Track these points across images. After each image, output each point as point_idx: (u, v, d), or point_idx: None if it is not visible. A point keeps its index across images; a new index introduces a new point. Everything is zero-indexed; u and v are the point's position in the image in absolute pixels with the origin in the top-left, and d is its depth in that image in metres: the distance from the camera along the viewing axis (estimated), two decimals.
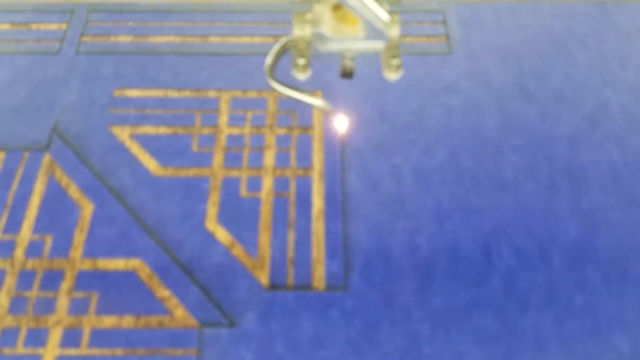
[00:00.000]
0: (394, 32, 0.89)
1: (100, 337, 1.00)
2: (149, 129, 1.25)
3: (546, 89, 1.31)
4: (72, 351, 0.98)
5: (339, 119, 1.17)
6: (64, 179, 1.17)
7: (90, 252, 1.09)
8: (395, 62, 0.85)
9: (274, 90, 1.31)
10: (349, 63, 0.88)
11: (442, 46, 1.38)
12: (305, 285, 1.04)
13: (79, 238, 1.10)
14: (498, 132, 1.23)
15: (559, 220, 1.12)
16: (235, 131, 1.25)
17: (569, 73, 1.34)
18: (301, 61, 0.80)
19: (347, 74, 0.91)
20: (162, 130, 1.25)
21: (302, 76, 0.83)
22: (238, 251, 1.09)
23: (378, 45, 0.80)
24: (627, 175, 1.18)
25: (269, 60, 0.81)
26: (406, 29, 1.42)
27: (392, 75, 0.89)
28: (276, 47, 0.84)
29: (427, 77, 1.32)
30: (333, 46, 0.80)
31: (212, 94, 1.31)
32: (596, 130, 1.24)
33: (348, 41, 0.78)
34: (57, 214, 1.13)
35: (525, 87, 1.31)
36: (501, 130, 1.24)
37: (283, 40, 0.81)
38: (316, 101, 0.89)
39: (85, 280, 1.06)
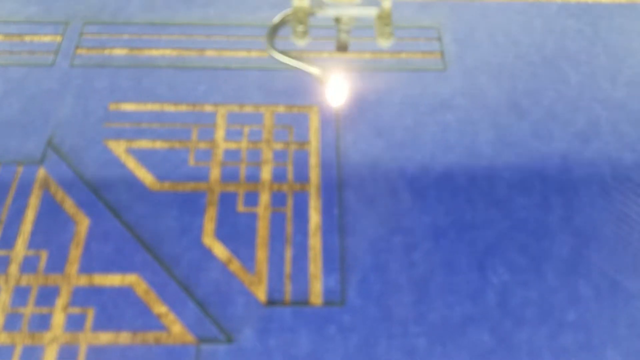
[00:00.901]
0: (387, 2, 0.92)
1: (96, 353, 0.99)
2: (145, 144, 1.25)
3: (539, 105, 1.33)
4: None
5: (335, 90, 1.18)
6: (59, 194, 1.17)
7: (86, 267, 1.08)
8: (387, 29, 0.88)
9: (270, 104, 1.32)
10: (344, 36, 0.90)
11: (437, 63, 1.40)
12: (302, 301, 1.05)
13: (75, 253, 1.10)
14: (492, 148, 1.25)
15: (552, 235, 1.14)
16: (232, 146, 1.25)
17: (561, 90, 1.36)
18: (300, 28, 0.82)
19: (342, 47, 0.92)
20: (159, 144, 1.25)
21: (301, 42, 0.85)
22: (235, 267, 1.09)
23: (371, 11, 0.83)
24: (617, 191, 1.20)
25: (269, 30, 0.83)
26: (401, 45, 1.44)
27: (384, 43, 0.92)
28: (277, 18, 0.86)
29: (422, 93, 1.34)
30: (330, 11, 0.82)
31: (208, 108, 1.31)
32: (587, 147, 1.26)
33: (344, 7, 0.80)
34: (52, 229, 1.13)
35: (518, 103, 1.33)
36: (495, 146, 1.26)
37: (284, 12, 0.83)
38: (313, 69, 0.91)
39: (81, 296, 1.05)
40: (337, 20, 0.89)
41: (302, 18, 0.83)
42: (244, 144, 1.25)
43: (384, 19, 0.91)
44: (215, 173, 1.21)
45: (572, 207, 1.18)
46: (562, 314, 1.05)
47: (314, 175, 1.21)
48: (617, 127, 1.30)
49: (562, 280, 1.08)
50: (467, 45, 1.45)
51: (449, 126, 1.29)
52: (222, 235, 1.12)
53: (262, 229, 1.13)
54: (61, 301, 1.04)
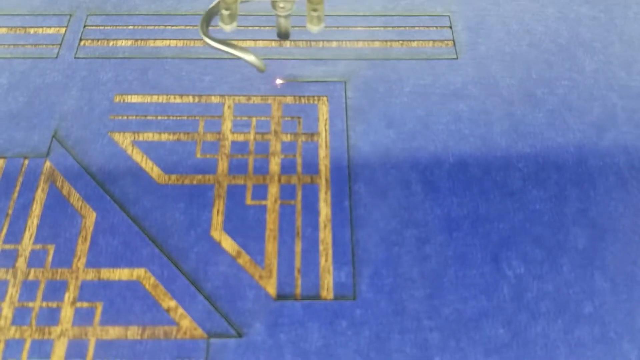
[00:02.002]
0: None
1: (105, 348, 0.98)
2: (151, 136, 1.24)
3: (553, 94, 1.30)
4: None
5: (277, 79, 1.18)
6: (65, 187, 1.15)
7: (94, 262, 1.07)
8: (315, 14, 0.86)
9: (278, 95, 1.29)
10: (283, 22, 0.88)
11: (449, 51, 1.38)
12: (313, 295, 1.03)
13: (82, 248, 1.08)
14: (506, 138, 1.23)
15: (567, 227, 1.11)
16: (240, 138, 1.23)
17: (576, 78, 1.33)
18: (225, 12, 0.80)
19: (282, 35, 0.91)
20: (165, 136, 1.23)
21: (227, 28, 0.83)
22: (244, 260, 1.07)
23: None
24: (634, 182, 1.17)
25: (203, 17, 0.82)
26: (412, 33, 1.41)
27: (313, 28, 0.90)
28: (212, 4, 0.85)
29: (434, 82, 1.32)
30: None
31: (215, 99, 1.29)
32: (603, 137, 1.24)
33: None
34: (59, 223, 1.11)
35: (532, 93, 1.30)
36: (509, 136, 1.23)
37: None
38: (249, 56, 0.89)
39: (89, 290, 1.04)
40: (273, 5, 0.87)
41: (229, 2, 0.82)
42: (251, 136, 1.23)
43: (314, 3, 0.89)
44: (222, 165, 1.19)
45: (588, 198, 1.15)
46: (578, 307, 1.03)
47: (324, 167, 1.19)
48: (633, 116, 1.27)
49: (578, 272, 1.06)
50: (479, 33, 1.42)
51: (462, 116, 1.26)
52: (230, 228, 1.11)
53: (271, 222, 1.11)
54: (69, 295, 1.03)
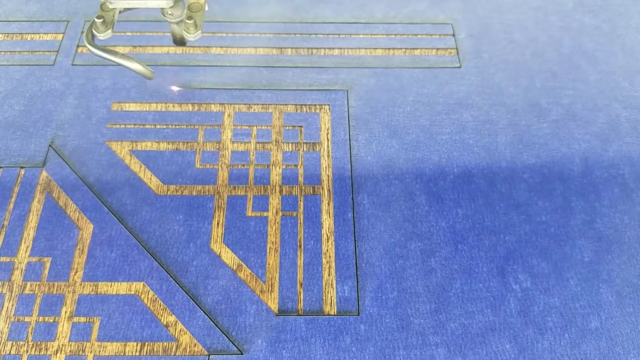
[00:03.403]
0: None
1: None
2: (149, 145, 1.21)
3: (558, 104, 1.29)
4: None
5: (172, 86, 1.17)
6: (62, 198, 1.13)
7: (91, 275, 1.05)
8: (190, 22, 0.87)
9: (279, 103, 1.28)
10: (176, 29, 0.89)
11: (452, 59, 1.36)
12: (316, 310, 1.01)
13: (79, 260, 1.06)
14: (511, 149, 1.21)
15: (574, 240, 1.10)
16: (240, 147, 1.21)
17: (580, 88, 1.32)
18: (98, 20, 0.81)
19: (177, 41, 0.91)
20: (164, 146, 1.21)
21: (101, 36, 0.84)
22: (245, 274, 1.05)
23: (164, 3, 0.81)
24: (639, 193, 1.16)
25: (89, 26, 0.83)
26: (415, 41, 1.40)
27: (189, 36, 0.91)
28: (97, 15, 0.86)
29: (437, 91, 1.30)
30: (118, 3, 0.81)
31: (215, 107, 1.27)
32: (608, 148, 1.23)
33: None
34: (55, 235, 1.09)
35: (537, 102, 1.29)
36: (514, 147, 1.22)
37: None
38: (133, 64, 0.88)
39: (86, 305, 1.01)
40: (163, 12, 0.88)
41: (105, 12, 0.83)
42: (252, 145, 1.21)
43: (192, 10, 0.89)
44: (223, 176, 1.17)
45: (594, 210, 1.14)
46: (585, 321, 1.01)
47: (326, 177, 1.17)
48: (637, 127, 1.26)
49: (584, 286, 1.05)
50: (482, 41, 1.41)
51: (466, 126, 1.25)
52: (231, 241, 1.09)
53: (273, 234, 1.09)
54: (66, 310, 1.01)
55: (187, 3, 0.92)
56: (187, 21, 0.90)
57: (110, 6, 0.82)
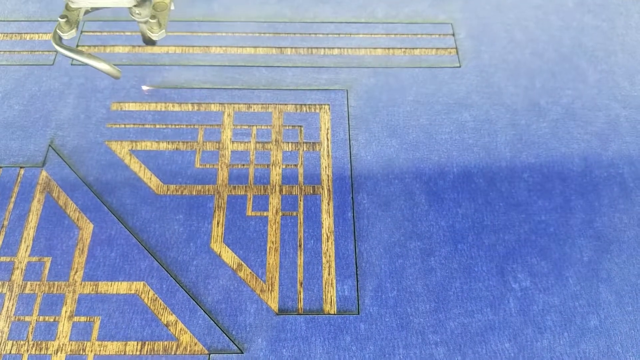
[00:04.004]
0: None
1: None
2: (149, 145, 1.21)
3: (557, 104, 1.29)
4: None
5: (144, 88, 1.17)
6: (61, 198, 1.13)
7: (91, 275, 1.05)
8: (153, 21, 0.86)
9: (278, 103, 1.28)
10: (143, 27, 0.89)
11: (452, 59, 1.36)
12: (316, 310, 1.01)
13: (79, 260, 1.06)
14: (510, 148, 1.22)
15: (573, 239, 1.10)
16: (240, 147, 1.21)
17: (579, 88, 1.32)
18: (62, 20, 0.81)
19: (146, 40, 0.91)
20: (163, 145, 1.21)
21: (65, 35, 0.84)
22: (245, 274, 1.05)
23: (127, 2, 0.80)
24: (638, 192, 1.16)
25: (56, 26, 0.83)
26: (415, 41, 1.40)
27: (152, 35, 0.91)
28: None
29: (437, 91, 1.30)
30: (80, 3, 0.80)
31: (215, 107, 1.27)
32: (607, 148, 1.23)
33: None
34: (55, 234, 1.09)
35: (536, 102, 1.29)
36: (513, 146, 1.22)
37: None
38: (100, 64, 0.88)
39: (86, 304, 1.01)
40: (130, 11, 0.88)
41: (68, 11, 0.83)
42: (252, 145, 1.21)
43: (157, 10, 0.89)
44: (222, 175, 1.17)
45: (593, 209, 1.14)
46: (584, 320, 1.02)
47: (326, 177, 1.17)
48: (637, 126, 1.26)
49: (584, 285, 1.05)
50: (482, 41, 1.41)
51: (466, 125, 1.25)
52: (231, 240, 1.09)
53: (273, 233, 1.09)
54: (66, 309, 1.01)
55: (153, 2, 0.92)
56: (150, 20, 0.89)
57: (73, 6, 0.82)
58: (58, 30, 0.84)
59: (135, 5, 0.88)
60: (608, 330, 1.00)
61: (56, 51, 0.86)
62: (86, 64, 0.88)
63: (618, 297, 1.04)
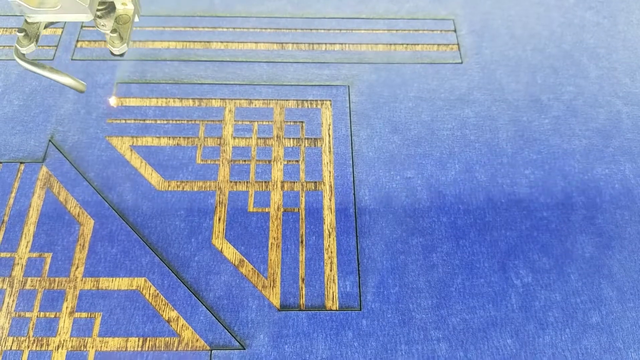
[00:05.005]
0: (120, 4, 0.86)
1: None
2: (150, 140, 1.21)
3: (559, 100, 1.29)
4: None
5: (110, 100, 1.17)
6: (62, 193, 1.12)
7: (92, 270, 1.04)
8: (114, 34, 0.83)
9: (280, 99, 1.27)
10: (109, 38, 0.86)
11: (454, 55, 1.36)
12: (318, 306, 1.01)
13: (80, 256, 1.06)
14: (512, 144, 1.21)
15: (574, 235, 1.10)
16: (242, 143, 1.21)
17: (581, 84, 1.32)
18: (20, 34, 0.79)
19: (113, 52, 0.88)
20: (164, 141, 1.21)
21: (24, 50, 0.82)
22: (247, 270, 1.05)
23: (84, 17, 0.77)
24: (639, 189, 1.17)
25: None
26: (416, 37, 1.40)
27: (113, 49, 0.86)
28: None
29: (439, 87, 1.30)
30: (36, 17, 0.78)
31: (216, 103, 1.27)
32: (609, 144, 1.23)
33: (50, 12, 0.76)
34: (56, 230, 1.08)
35: (538, 98, 1.29)
36: (515, 143, 1.22)
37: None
38: (64, 79, 0.86)
39: (87, 300, 1.01)
40: (96, 23, 0.85)
41: (29, 25, 0.81)
42: (253, 141, 1.21)
43: (119, 23, 0.86)
44: (224, 171, 1.16)
45: (594, 205, 1.14)
46: (586, 316, 1.02)
47: (328, 173, 1.17)
48: (638, 123, 1.26)
49: (585, 281, 1.05)
50: (483, 37, 1.40)
51: (468, 122, 1.25)
52: (232, 236, 1.08)
53: (274, 229, 1.09)
54: (67, 305, 1.00)
55: (115, 14, 0.88)
56: (110, 34, 0.86)
57: (29, 20, 0.80)
58: (17, 45, 0.82)
59: (99, 17, 0.86)
60: (610, 327, 1.01)
61: (20, 65, 0.84)
62: (49, 78, 0.86)
63: (620, 293, 1.04)
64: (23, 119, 1.23)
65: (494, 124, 1.25)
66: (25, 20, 0.80)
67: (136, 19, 0.89)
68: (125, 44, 0.86)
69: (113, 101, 1.19)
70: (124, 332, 0.98)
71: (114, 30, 0.84)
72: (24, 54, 0.83)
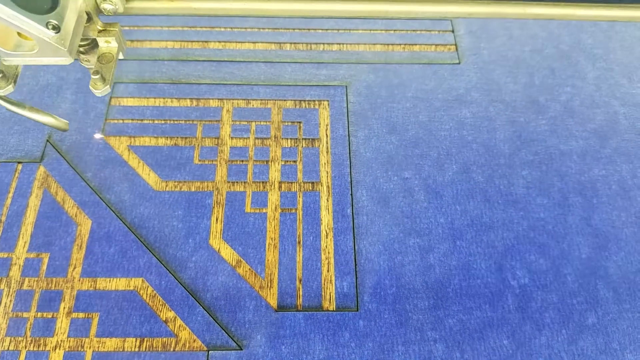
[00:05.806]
0: (104, 43, 0.81)
1: None
2: (147, 140, 1.21)
3: (556, 101, 1.29)
4: None
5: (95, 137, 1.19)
6: (59, 193, 1.12)
7: (90, 271, 1.04)
8: (96, 76, 0.78)
9: (278, 99, 1.27)
10: (93, 72, 0.82)
11: (451, 56, 1.36)
12: (315, 306, 1.01)
13: (77, 256, 1.06)
14: (509, 145, 1.22)
15: (571, 237, 1.10)
16: (239, 143, 1.21)
17: (578, 85, 1.32)
18: None
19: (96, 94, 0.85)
20: (162, 141, 1.21)
21: (2, 91, 0.78)
22: (244, 270, 1.05)
23: (63, 60, 0.73)
24: (637, 190, 1.17)
25: None
26: (414, 37, 1.40)
27: (95, 91, 0.80)
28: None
29: (436, 88, 1.30)
30: (13, 60, 0.76)
31: (214, 103, 1.27)
32: (606, 145, 1.23)
33: (27, 56, 0.74)
34: (53, 230, 1.08)
35: (535, 99, 1.29)
36: (512, 143, 1.22)
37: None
38: (46, 118, 0.83)
39: (85, 301, 1.01)
40: (80, 60, 0.81)
41: (4, 66, 0.78)
42: (251, 141, 1.21)
43: (102, 62, 0.81)
44: (221, 171, 1.17)
45: (591, 206, 1.14)
46: (582, 317, 1.02)
47: (325, 173, 1.17)
48: (635, 124, 1.27)
49: (582, 282, 1.05)
50: (481, 37, 1.40)
51: (465, 122, 1.25)
52: (230, 237, 1.09)
53: (272, 230, 1.09)
54: (65, 306, 1.00)
55: (98, 52, 0.83)
56: (93, 76, 0.79)
57: (5, 63, 0.78)
58: None
59: (82, 53, 0.83)
60: (606, 328, 1.01)
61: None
62: (30, 119, 0.84)
63: (616, 294, 1.04)
64: (20, 119, 1.23)
65: (491, 125, 1.25)
66: (2, 62, 0.77)
67: (120, 56, 0.85)
68: (108, 86, 0.82)
69: (98, 136, 1.20)
70: (121, 332, 0.98)
71: (95, 72, 0.80)
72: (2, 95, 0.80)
